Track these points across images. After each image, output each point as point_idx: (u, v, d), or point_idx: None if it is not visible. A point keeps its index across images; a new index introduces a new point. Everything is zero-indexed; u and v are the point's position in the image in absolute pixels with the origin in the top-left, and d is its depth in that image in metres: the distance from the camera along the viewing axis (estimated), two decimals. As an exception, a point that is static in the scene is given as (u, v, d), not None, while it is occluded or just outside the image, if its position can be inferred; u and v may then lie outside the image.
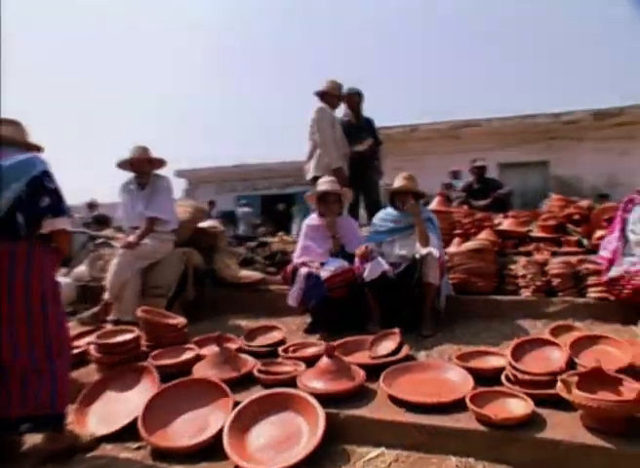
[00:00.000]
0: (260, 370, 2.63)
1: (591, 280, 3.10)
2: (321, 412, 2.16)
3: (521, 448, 1.94)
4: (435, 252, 3.18)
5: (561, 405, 2.07)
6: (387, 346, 2.87)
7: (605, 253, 3.01)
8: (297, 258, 3.59)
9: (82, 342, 3.20)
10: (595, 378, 2.01)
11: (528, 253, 3.66)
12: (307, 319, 3.55)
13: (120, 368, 2.77)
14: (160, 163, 3.93)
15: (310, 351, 2.96)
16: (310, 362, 2.73)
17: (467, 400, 2.11)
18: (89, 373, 2.91)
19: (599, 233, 3.54)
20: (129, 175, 3.97)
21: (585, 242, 3.62)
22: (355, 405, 2.30)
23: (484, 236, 3.80)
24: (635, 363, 2.21)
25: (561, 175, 11.62)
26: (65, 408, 2.23)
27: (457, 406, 2.16)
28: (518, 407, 2.05)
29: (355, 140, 4.88)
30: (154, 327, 3.08)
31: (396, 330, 2.95)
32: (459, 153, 11.74)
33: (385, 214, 3.61)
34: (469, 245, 3.57)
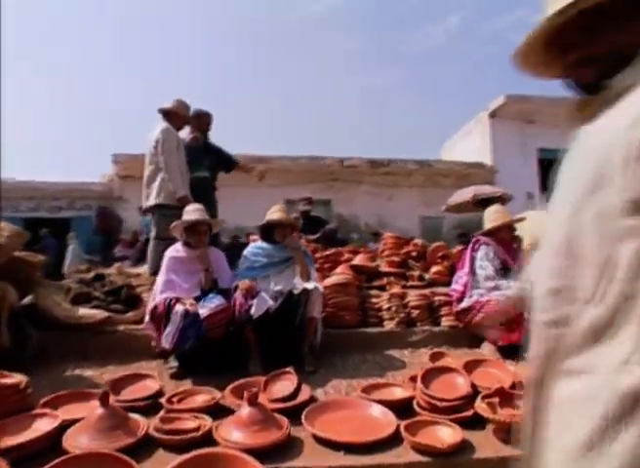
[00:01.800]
0: (159, 430, 2.19)
1: (444, 310, 3.56)
2: (265, 471, 1.92)
3: (461, 472, 2.08)
4: (320, 286, 3.21)
5: (470, 424, 2.31)
6: (285, 387, 2.74)
7: (457, 286, 3.51)
8: (159, 294, 3.14)
9: None
10: (499, 397, 2.30)
11: (382, 287, 3.98)
12: (172, 362, 3.11)
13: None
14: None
15: (201, 400, 2.62)
16: (208, 412, 2.43)
17: (404, 432, 2.16)
18: None
19: (435, 268, 4.11)
20: None
21: (426, 276, 4.15)
22: (289, 456, 2.12)
23: (341, 271, 4.00)
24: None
25: (342, 214, 13.01)
26: None
27: (391, 440, 2.19)
28: (449, 433, 2.20)
29: (198, 166, 4.62)
30: (-16, 390, 2.28)
31: (290, 368, 2.85)
32: (248, 187, 12.19)
33: (258, 249, 3.47)
34: (334, 279, 3.71)
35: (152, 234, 4.17)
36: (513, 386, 2.53)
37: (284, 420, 2.27)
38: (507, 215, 3.55)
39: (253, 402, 2.23)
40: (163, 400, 2.57)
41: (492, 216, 3.53)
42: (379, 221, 12.90)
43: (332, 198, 13.15)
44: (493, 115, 12.65)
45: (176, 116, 4.36)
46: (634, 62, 0.80)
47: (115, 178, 11.65)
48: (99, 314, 3.29)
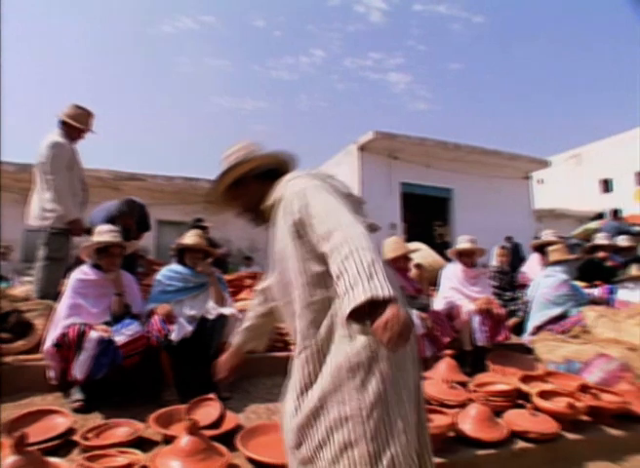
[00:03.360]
0: (88, 470, 2.03)
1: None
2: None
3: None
4: (236, 312, 3.24)
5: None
6: (208, 414, 2.71)
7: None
8: (63, 320, 2.88)
9: None
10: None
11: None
12: (76, 395, 2.84)
13: None
14: None
15: (122, 433, 2.46)
16: (132, 446, 2.31)
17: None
18: None
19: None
20: None
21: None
22: (232, 482, 2.12)
23: (246, 296, 4.03)
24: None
25: (215, 237, 12.81)
26: None
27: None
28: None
29: None
30: None
31: (211, 395, 2.83)
32: (117, 205, 11.47)
33: (173, 273, 3.36)
34: (242, 305, 3.71)
35: (42, 254, 3.75)
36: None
37: (222, 448, 2.27)
38: (405, 246, 3.96)
39: (193, 430, 2.19)
40: (77, 437, 2.37)
41: (392, 246, 3.91)
42: (251, 246, 12.99)
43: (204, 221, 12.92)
44: (362, 149, 13.62)
45: (70, 127, 3.93)
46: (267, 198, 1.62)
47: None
48: (-19, 344, 2.89)
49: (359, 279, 1.19)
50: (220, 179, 1.72)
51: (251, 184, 1.72)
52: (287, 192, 1.53)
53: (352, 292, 1.19)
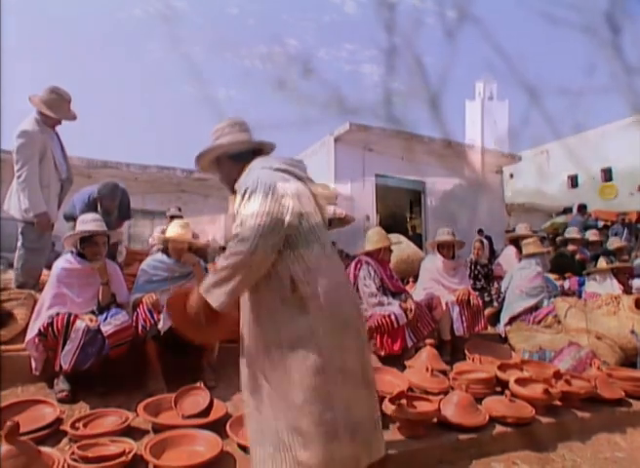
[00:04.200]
0: (79, 460, 2.03)
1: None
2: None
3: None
4: (222, 301, 3.25)
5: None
6: (196, 403, 2.73)
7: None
8: (47, 310, 2.84)
9: None
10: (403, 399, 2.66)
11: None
12: (61, 385, 2.80)
13: None
14: None
15: (111, 421, 2.47)
16: (121, 435, 2.32)
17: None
18: None
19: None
20: None
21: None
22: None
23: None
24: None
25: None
26: None
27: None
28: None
29: None
30: None
31: (199, 384, 2.84)
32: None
33: (158, 262, 3.33)
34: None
35: (19, 244, 3.66)
36: (409, 389, 2.93)
37: (216, 436, 2.29)
38: (388, 238, 4.02)
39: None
40: (66, 427, 2.36)
41: (375, 238, 3.97)
42: (225, 236, 12.90)
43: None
44: (337, 140, 13.62)
45: (44, 115, 3.65)
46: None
47: None
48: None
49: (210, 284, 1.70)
50: (200, 158, 2.06)
51: (225, 163, 2.04)
52: (241, 185, 1.82)
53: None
